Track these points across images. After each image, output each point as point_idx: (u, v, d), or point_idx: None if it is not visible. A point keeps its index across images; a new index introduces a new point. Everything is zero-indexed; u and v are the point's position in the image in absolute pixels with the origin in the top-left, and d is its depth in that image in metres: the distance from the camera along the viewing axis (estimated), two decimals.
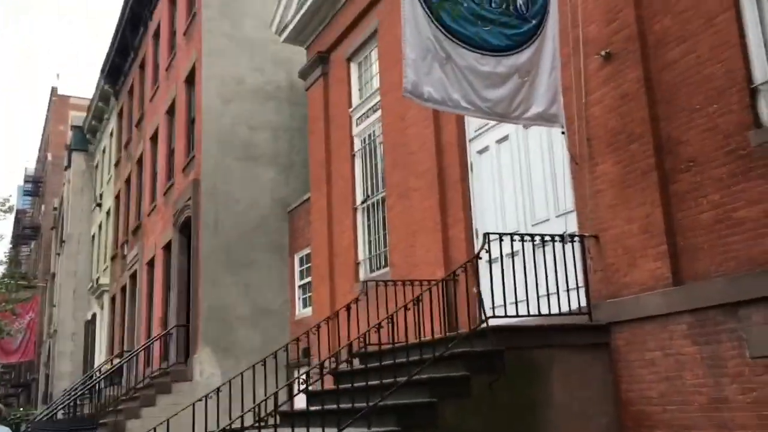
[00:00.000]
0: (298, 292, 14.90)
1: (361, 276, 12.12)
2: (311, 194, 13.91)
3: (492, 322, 6.44)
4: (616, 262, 6.75)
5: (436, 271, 9.53)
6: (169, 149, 18.43)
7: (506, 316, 6.50)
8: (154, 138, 20.19)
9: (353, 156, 12.64)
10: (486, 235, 6.66)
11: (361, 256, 12.18)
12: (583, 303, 7.04)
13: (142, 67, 22.94)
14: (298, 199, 15.24)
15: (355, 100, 12.80)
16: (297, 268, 15.00)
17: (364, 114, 12.49)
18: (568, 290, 7.07)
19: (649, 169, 6.43)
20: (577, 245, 7.11)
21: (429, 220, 9.87)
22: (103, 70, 26.86)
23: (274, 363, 14.87)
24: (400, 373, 6.42)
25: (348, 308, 8.58)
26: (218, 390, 8.34)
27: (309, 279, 14.55)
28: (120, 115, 26.52)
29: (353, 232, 12.34)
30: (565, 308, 7.07)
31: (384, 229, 11.58)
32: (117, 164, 26.44)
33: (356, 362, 8.64)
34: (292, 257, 15.15)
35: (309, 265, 14.63)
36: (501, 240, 6.71)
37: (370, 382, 6.23)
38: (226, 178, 15.03)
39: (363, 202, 12.23)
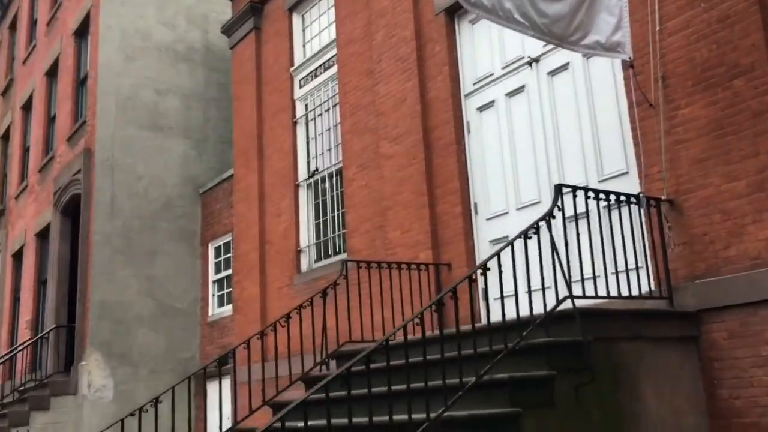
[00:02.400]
0: (212, 288, 12.53)
1: (304, 267, 10.08)
2: (235, 171, 11.69)
3: (567, 304, 4.70)
4: (709, 232, 5.24)
5: (419, 254, 7.73)
6: (48, 117, 15.43)
7: (584, 296, 4.78)
8: (26, 106, 16.99)
9: (295, 124, 10.60)
10: (559, 187, 4.93)
11: (303, 243, 10.14)
12: (653, 285, 5.49)
13: (12, 27, 19.53)
14: (214, 179, 12.91)
15: (299, 57, 10.79)
16: (212, 260, 12.65)
17: (310, 73, 10.50)
18: (627, 270, 5.46)
19: (765, 108, 4.98)
20: (643, 213, 5.55)
21: (408, 194, 8.06)
22: None
23: (178, 374, 12.43)
24: (415, 377, 4.62)
25: (324, 294, 6.61)
26: (141, 409, 6.01)
27: (227, 272, 12.26)
28: None
29: (294, 213, 10.28)
30: (627, 290, 5.45)
31: (338, 208, 9.62)
32: None
33: (334, 364, 6.66)
34: (206, 247, 12.78)
35: (228, 255, 12.34)
36: (575, 196, 4.99)
37: (383, 388, 4.30)
38: (126, 150, 12.45)
39: (309, 178, 10.21)
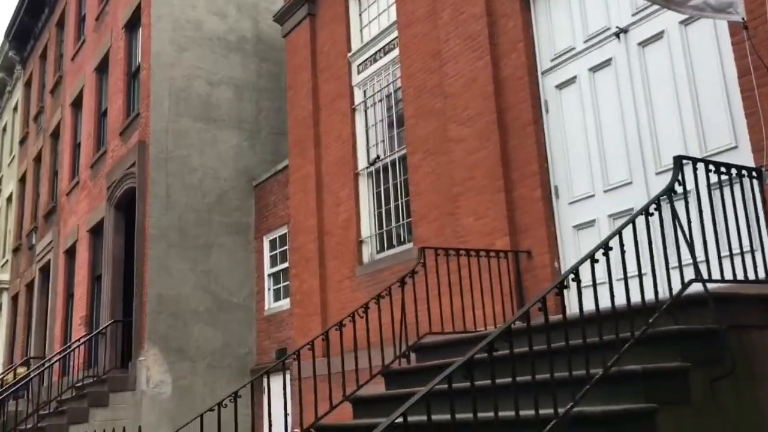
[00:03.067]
0: (268, 282, 12.29)
1: (365, 258, 9.74)
2: (291, 161, 11.41)
3: (694, 288, 4.25)
4: None
5: (496, 242, 7.32)
6: (99, 113, 15.36)
7: (710, 279, 4.32)
8: (76, 103, 16.98)
9: (353, 111, 10.27)
10: (678, 159, 4.47)
11: (365, 233, 9.80)
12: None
13: (60, 24, 19.59)
14: (268, 171, 12.66)
15: (356, 42, 10.44)
16: (267, 253, 12.40)
17: (369, 58, 10.16)
18: (753, 251, 4.96)
19: None
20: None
21: (482, 178, 7.65)
22: (7, 34, 23.12)
23: (235, 370, 12.23)
24: (501, 372, 4.25)
25: (402, 283, 6.23)
26: (220, 404, 5.73)
27: (283, 266, 12.00)
28: (28, 83, 22.86)
29: (354, 203, 9.95)
30: (754, 273, 4.97)
31: (402, 196, 9.26)
32: (23, 141, 22.73)
33: (413, 357, 6.29)
34: (261, 240, 12.53)
35: (283, 248, 12.09)
36: (695, 169, 4.53)
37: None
38: (180, 142, 12.27)
39: (369, 166, 9.86)
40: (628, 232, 4.16)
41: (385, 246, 9.51)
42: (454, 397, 3.29)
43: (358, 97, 10.29)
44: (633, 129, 6.37)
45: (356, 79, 10.35)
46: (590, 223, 6.67)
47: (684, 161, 4.46)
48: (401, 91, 9.30)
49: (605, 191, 6.59)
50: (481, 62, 7.82)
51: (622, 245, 4.01)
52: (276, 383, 11.57)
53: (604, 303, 4.08)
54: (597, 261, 3.84)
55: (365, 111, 10.17)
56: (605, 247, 3.90)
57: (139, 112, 12.71)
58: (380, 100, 9.89)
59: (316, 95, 11.00)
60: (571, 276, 3.72)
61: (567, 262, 6.84)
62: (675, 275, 4.35)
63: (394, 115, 9.61)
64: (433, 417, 3.09)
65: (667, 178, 6.05)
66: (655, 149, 6.18)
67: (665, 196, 4.28)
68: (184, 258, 11.87)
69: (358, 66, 10.35)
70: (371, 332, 6.14)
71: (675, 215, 4.21)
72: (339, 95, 10.53)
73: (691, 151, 5.90)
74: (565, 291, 3.89)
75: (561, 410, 3.44)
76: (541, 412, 3.43)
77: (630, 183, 6.35)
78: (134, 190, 12.36)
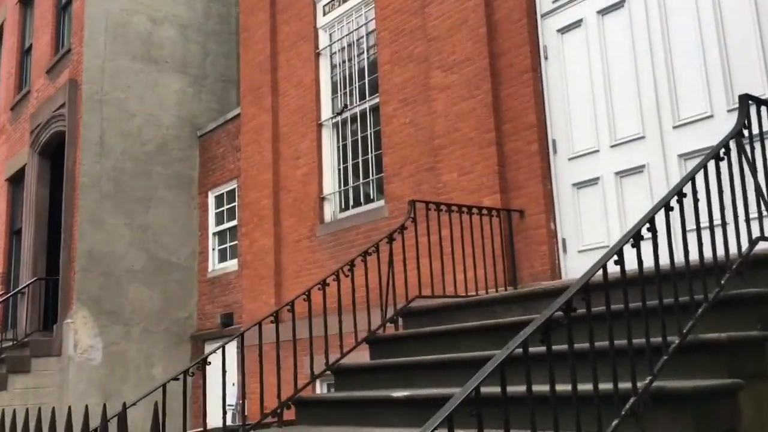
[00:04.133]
0: (212, 241, 11.31)
1: (328, 217, 8.94)
2: (243, 110, 10.42)
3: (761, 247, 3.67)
4: None
5: (483, 200, 6.66)
6: (22, 49, 13.82)
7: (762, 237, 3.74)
8: None
9: (318, 55, 9.36)
10: (745, 98, 3.87)
11: (328, 190, 8.99)
12: None
13: None
14: (214, 121, 11.61)
15: None
16: (212, 210, 11.40)
17: None
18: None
19: None
20: None
21: (469, 130, 6.96)
22: None
23: (173, 335, 11.24)
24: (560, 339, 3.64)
25: (390, 239, 5.50)
26: (186, 373, 4.90)
27: (231, 224, 11.05)
28: None
29: (317, 156, 9.10)
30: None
31: (371, 150, 8.48)
32: None
33: (405, 322, 5.58)
34: (205, 195, 11.51)
35: (231, 205, 11.12)
36: (758, 111, 3.94)
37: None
38: (117, 83, 11.05)
39: (335, 116, 9.02)
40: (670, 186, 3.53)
41: (351, 204, 8.73)
42: (514, 366, 2.58)
43: (324, 40, 9.39)
44: (647, 78, 5.79)
45: (322, 21, 9.43)
46: (593, 182, 6.09)
47: (749, 101, 3.85)
48: (375, 35, 8.47)
49: (612, 146, 6.00)
50: (471, 2, 7.08)
51: (695, 192, 3.37)
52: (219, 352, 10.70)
53: (664, 260, 3.44)
54: (672, 209, 3.18)
55: (331, 56, 9.29)
56: (679, 193, 3.25)
57: (71, 47, 11.38)
58: (349, 45, 9.03)
59: (275, 38, 10.04)
60: (646, 226, 3.04)
61: (564, 223, 6.25)
62: (735, 230, 3.76)
63: (365, 60, 8.77)
64: (485, 390, 2.38)
65: (686, 132, 5.56)
66: (673, 101, 5.61)
67: (732, 140, 3.66)
68: (120, 211, 10.74)
69: (324, 6, 9.43)
70: (348, 296, 5.36)
71: (748, 160, 3.60)
72: (301, 38, 9.60)
73: (716, 100, 5.38)
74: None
75: (641, 385, 2.79)
76: (612, 385, 2.77)
77: (642, 138, 5.78)
78: (63, 134, 11.09)
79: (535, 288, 4.81)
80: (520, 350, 2.41)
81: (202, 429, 4.84)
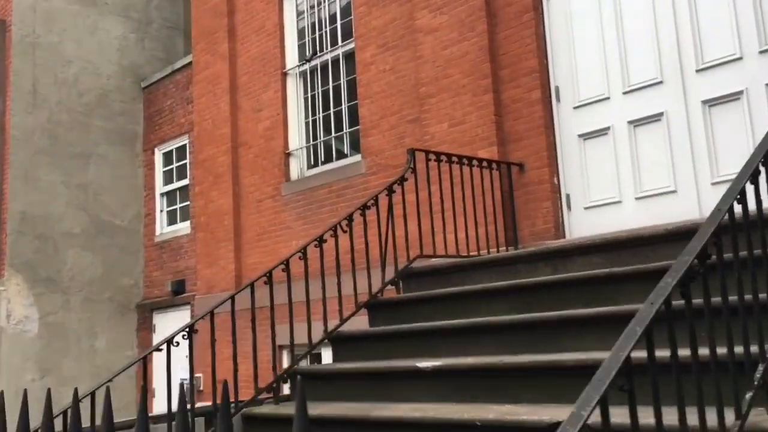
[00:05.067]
0: (160, 202, 10.40)
1: (294, 174, 8.22)
2: (196, 58, 9.50)
3: None
4: None
5: (478, 152, 6.09)
6: None
7: None
8: None
9: None
10: None
11: (294, 145, 8.25)
12: None
13: None
14: (163, 70, 10.62)
15: None
16: (159, 168, 10.47)
17: None
18: None
19: None
20: None
21: (461, 77, 6.36)
22: None
23: (117, 304, 10.33)
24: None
25: (389, 191, 4.89)
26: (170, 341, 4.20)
27: (181, 183, 10.16)
28: None
29: (281, 109, 8.34)
30: None
31: (344, 101, 7.78)
32: None
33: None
34: (151, 152, 10.56)
35: (182, 163, 10.23)
36: None
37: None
38: (51, 25, 9.91)
39: (302, 64, 8.25)
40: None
41: (320, 160, 8.02)
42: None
43: None
44: (666, 16, 5.30)
45: None
46: (602, 132, 5.60)
47: None
48: None
49: (625, 93, 5.51)
50: None
51: None
52: (171, 320, 9.89)
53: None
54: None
55: None
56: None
57: None
58: None
59: None
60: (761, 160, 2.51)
61: (568, 178, 5.76)
62: None
63: (337, 2, 8.01)
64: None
65: (710, 76, 5.10)
66: (696, 41, 5.14)
67: None
68: (56, 168, 9.70)
69: None
70: (341, 256, 4.71)
71: None
72: None
73: (747, 41, 4.92)
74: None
75: None
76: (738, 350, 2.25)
77: (660, 83, 5.30)
78: None
79: (563, 244, 4.29)
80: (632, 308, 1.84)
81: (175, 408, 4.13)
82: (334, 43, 7.95)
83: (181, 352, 9.91)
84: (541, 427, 2.57)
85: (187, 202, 9.88)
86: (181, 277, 9.62)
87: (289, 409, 3.77)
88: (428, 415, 3.05)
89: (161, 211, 10.30)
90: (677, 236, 3.70)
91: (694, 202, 5.02)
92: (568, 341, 3.41)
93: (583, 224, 5.60)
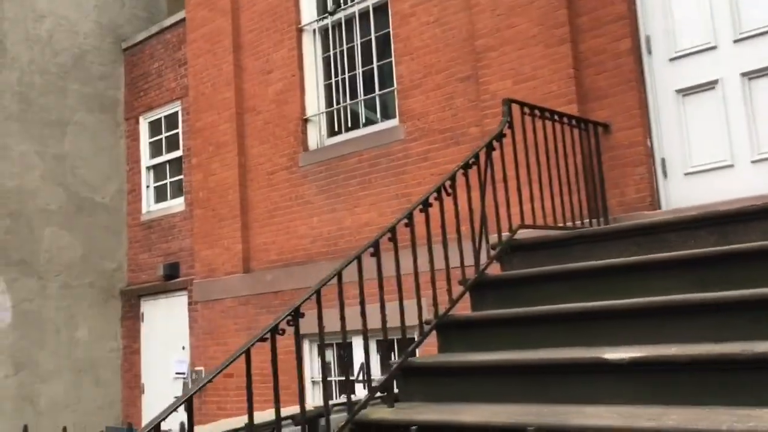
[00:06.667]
0: (146, 177, 9.30)
1: (313, 143, 7.31)
2: (190, 14, 8.47)
3: None
4: None
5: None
6: None
7: None
8: None
9: None
10: None
11: (311, 110, 7.34)
12: None
13: None
14: (147, 30, 9.51)
15: None
16: (145, 139, 9.37)
17: None
18: None
19: None
20: None
21: (529, 25, 5.58)
22: None
23: (99, 290, 9.23)
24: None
25: (489, 148, 4.08)
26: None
27: (172, 155, 9.10)
28: None
29: (297, 69, 7.41)
30: None
31: (374, 59, 6.89)
32: None
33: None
34: (135, 121, 9.44)
35: (172, 132, 9.17)
36: None
37: None
38: None
39: (322, 19, 7.33)
40: None
41: (343, 127, 7.13)
42: None
43: None
44: None
45: None
46: (708, 86, 4.89)
47: None
48: None
49: (736, 41, 4.81)
50: None
51: None
52: (162, 308, 8.85)
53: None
54: None
55: None
56: None
57: None
58: None
59: None
60: None
61: (664, 140, 5.04)
62: None
63: None
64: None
65: None
66: None
67: None
68: (29, 136, 8.53)
69: None
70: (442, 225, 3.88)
71: None
72: None
73: None
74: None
75: None
76: None
77: None
78: None
79: (728, 209, 3.54)
80: None
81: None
82: None
83: (176, 342, 8.83)
84: None
85: (180, 176, 8.84)
86: (174, 260, 8.59)
87: (408, 413, 2.94)
88: (642, 424, 2.26)
89: (148, 186, 9.20)
90: None
91: None
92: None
93: (684, 193, 4.90)
